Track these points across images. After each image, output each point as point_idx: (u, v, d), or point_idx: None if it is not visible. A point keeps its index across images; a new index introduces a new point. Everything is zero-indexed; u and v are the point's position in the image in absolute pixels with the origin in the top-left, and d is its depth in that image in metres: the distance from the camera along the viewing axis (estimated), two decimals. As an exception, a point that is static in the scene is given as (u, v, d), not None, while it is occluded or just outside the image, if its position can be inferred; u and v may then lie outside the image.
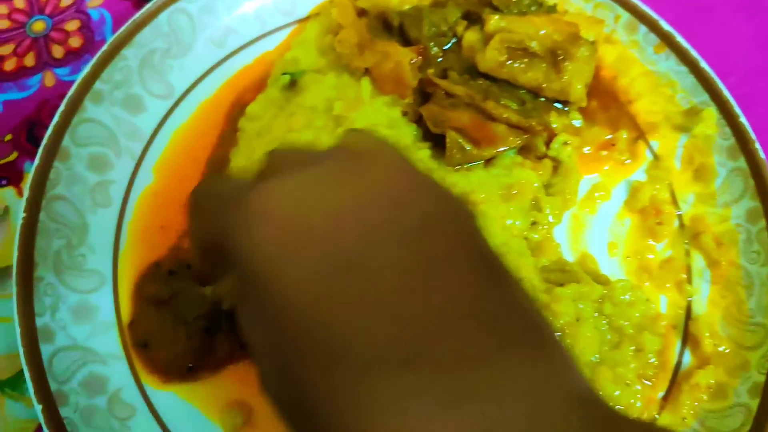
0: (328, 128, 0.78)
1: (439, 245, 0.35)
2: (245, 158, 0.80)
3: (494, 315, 0.33)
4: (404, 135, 0.76)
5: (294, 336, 0.33)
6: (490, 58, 0.77)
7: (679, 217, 0.81)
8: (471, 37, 0.80)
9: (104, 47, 0.78)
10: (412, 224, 0.35)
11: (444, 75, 0.80)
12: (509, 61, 0.77)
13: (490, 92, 0.77)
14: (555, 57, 0.76)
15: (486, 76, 0.79)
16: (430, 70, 0.80)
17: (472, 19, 0.82)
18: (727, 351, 0.73)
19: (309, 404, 0.32)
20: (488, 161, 0.76)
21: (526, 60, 0.78)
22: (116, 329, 0.71)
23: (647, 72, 0.85)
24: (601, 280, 0.74)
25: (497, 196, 0.74)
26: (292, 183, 0.38)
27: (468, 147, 0.74)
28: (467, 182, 0.74)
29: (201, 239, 0.46)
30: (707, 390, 0.71)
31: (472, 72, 0.79)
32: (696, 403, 0.71)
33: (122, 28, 0.79)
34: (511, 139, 0.74)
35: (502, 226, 0.73)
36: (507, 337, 0.32)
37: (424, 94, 0.78)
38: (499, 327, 0.32)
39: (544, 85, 0.77)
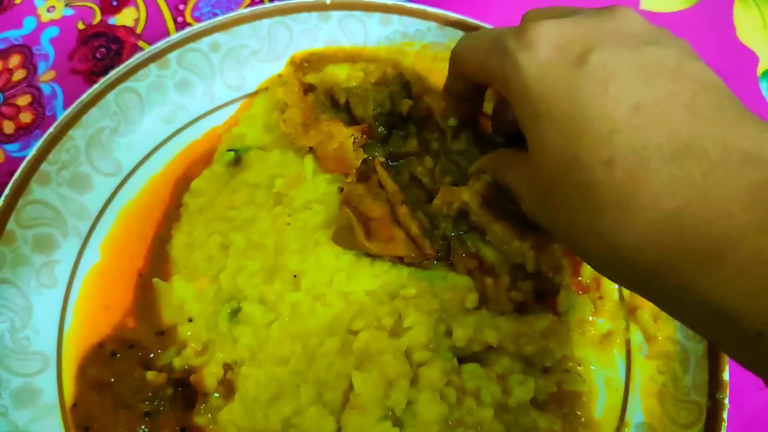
0: (267, 205, 0.81)
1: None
2: (186, 235, 0.82)
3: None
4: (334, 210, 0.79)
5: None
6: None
7: (619, 290, 0.83)
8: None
9: (51, 129, 0.79)
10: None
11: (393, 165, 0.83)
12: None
13: (417, 202, 0.79)
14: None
15: None
16: (380, 158, 0.82)
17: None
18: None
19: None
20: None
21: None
22: (59, 412, 0.73)
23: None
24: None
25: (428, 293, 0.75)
26: (559, 21, 0.54)
27: (358, 233, 0.75)
28: (397, 276, 0.76)
29: (470, 62, 0.66)
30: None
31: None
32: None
33: (69, 109, 0.81)
34: (400, 248, 0.76)
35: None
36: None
37: (365, 175, 0.81)
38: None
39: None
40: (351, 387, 0.69)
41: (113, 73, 0.83)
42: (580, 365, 0.79)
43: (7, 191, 0.76)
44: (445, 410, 0.68)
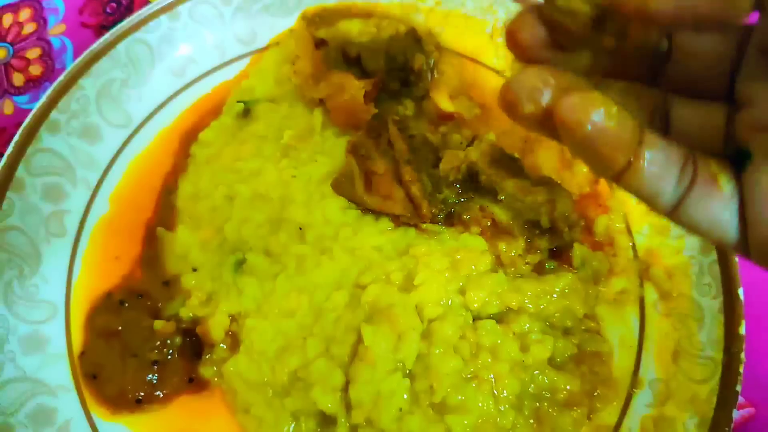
0: (275, 157, 0.81)
1: None
2: (192, 185, 0.82)
3: None
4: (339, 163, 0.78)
5: None
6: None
7: (633, 247, 0.82)
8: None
9: (61, 77, 0.79)
10: None
11: (405, 124, 0.82)
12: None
13: (424, 161, 0.78)
14: None
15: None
16: (394, 116, 0.81)
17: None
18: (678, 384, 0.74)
19: None
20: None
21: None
22: (67, 360, 0.73)
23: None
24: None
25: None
26: None
27: (358, 183, 0.74)
28: (404, 234, 0.75)
29: None
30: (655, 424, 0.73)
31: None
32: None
33: (79, 58, 0.80)
34: (397, 206, 0.75)
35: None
36: None
37: (376, 130, 0.80)
38: None
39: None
40: (359, 340, 0.69)
41: (124, 23, 0.83)
42: (599, 324, 0.77)
43: (16, 137, 0.76)
44: (459, 364, 0.67)
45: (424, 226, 0.76)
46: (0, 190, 0.75)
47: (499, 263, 0.76)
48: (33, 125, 0.77)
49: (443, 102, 0.86)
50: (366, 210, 0.76)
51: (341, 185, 0.76)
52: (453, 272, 0.73)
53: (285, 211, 0.76)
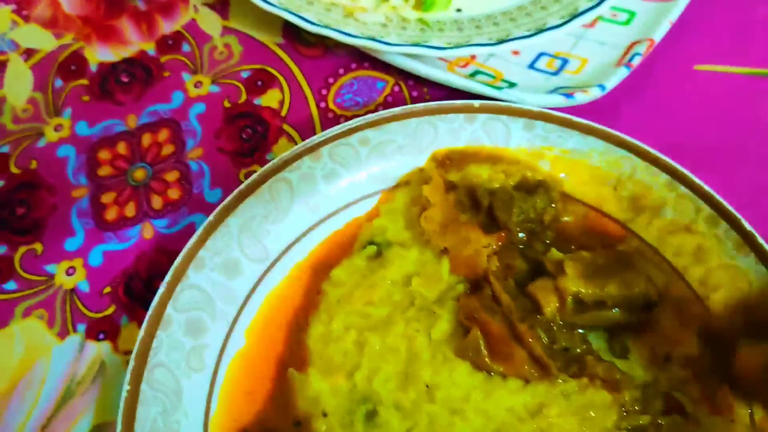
0: (402, 305, 0.84)
1: None
2: (323, 325, 0.85)
3: None
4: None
5: None
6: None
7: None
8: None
9: (210, 217, 0.83)
10: None
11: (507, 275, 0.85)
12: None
13: (536, 319, 0.80)
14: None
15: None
16: (493, 263, 0.84)
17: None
18: None
19: None
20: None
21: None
22: (204, 500, 0.75)
23: (726, 265, 0.89)
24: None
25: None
26: None
27: (483, 352, 0.78)
28: (533, 393, 0.78)
29: None
30: None
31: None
32: None
33: (228, 198, 0.84)
34: (525, 368, 0.77)
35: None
36: None
37: (477, 284, 0.83)
38: None
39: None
40: None
41: (269, 166, 0.86)
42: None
43: (168, 277, 0.80)
44: None
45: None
46: (151, 329, 0.78)
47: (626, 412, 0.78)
48: (183, 265, 0.81)
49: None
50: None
51: (465, 353, 0.79)
52: None
53: (412, 366, 0.80)
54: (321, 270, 0.89)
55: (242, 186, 0.85)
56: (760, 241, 0.86)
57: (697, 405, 0.81)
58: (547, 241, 0.88)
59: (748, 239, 0.87)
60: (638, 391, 0.78)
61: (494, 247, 0.84)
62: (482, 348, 0.78)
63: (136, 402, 0.75)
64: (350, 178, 0.92)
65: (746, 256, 0.87)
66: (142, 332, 0.77)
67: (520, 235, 0.87)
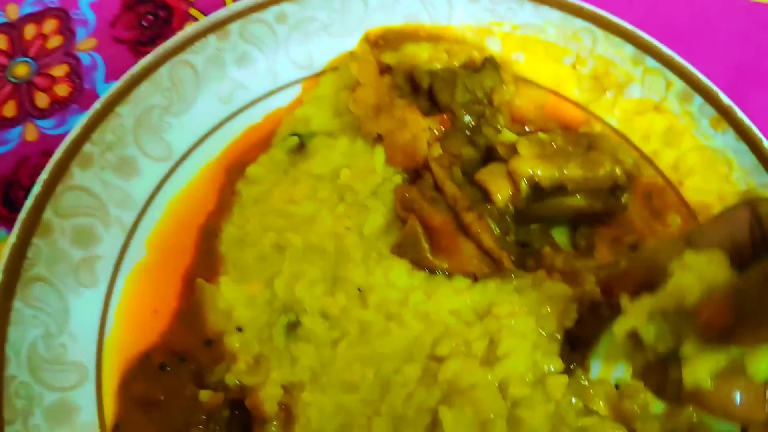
0: (330, 202, 0.72)
1: None
2: (237, 228, 0.74)
3: None
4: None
5: None
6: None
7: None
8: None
9: (96, 104, 0.70)
10: None
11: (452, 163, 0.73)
12: None
13: (485, 209, 0.70)
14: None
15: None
16: (435, 150, 0.73)
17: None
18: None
19: None
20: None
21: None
22: (98, 434, 0.63)
23: (701, 146, 0.78)
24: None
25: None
26: None
27: (424, 247, 0.67)
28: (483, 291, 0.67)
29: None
30: None
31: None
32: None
33: (117, 83, 0.72)
34: (474, 263, 0.67)
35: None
36: None
37: (416, 173, 0.73)
38: None
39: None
40: (434, 424, 0.61)
41: (168, 44, 0.74)
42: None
43: (45, 175, 0.67)
44: None
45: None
46: (25, 235, 0.65)
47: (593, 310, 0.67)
48: (63, 160, 0.68)
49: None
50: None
51: (404, 250, 0.68)
52: (540, 337, 0.65)
53: (341, 268, 0.68)
54: (235, 169, 0.77)
55: (134, 68, 0.72)
56: (740, 115, 0.76)
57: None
58: (499, 127, 0.77)
59: (726, 114, 0.77)
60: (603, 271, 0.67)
61: (436, 132, 0.73)
62: (423, 242, 0.67)
63: (6, 321, 0.63)
64: (268, 62, 0.79)
65: (724, 133, 0.77)
66: (12, 238, 0.65)
67: (467, 118, 0.75)
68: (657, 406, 0.67)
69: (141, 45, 0.84)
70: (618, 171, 0.70)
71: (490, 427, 0.60)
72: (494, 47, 0.83)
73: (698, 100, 0.78)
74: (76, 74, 0.82)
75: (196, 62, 0.76)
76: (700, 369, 0.42)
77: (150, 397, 0.65)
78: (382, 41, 0.82)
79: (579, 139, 0.74)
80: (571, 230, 0.76)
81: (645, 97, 0.80)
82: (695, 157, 0.79)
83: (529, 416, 0.61)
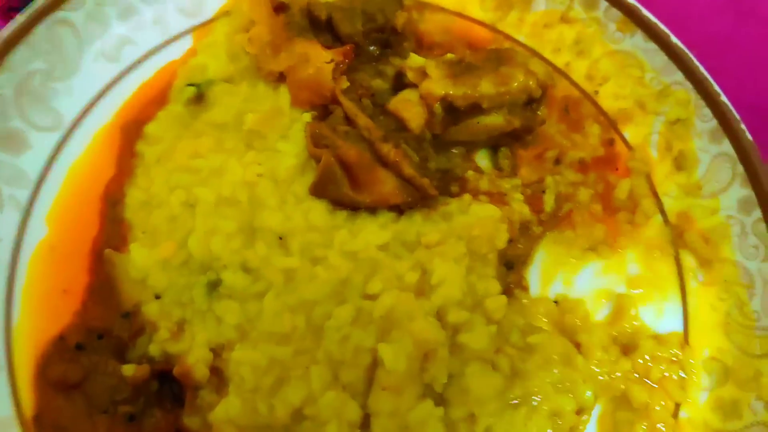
0: (238, 150, 0.69)
1: None
2: (142, 191, 0.69)
3: None
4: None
5: None
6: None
7: (662, 212, 0.73)
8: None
9: (-34, 76, 0.64)
10: None
11: (362, 96, 0.71)
12: None
13: (402, 137, 0.67)
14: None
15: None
16: (341, 83, 0.70)
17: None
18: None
19: None
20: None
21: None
22: (17, 428, 0.59)
23: (611, 52, 0.77)
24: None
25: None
26: None
27: (343, 183, 0.65)
28: (409, 222, 0.66)
29: None
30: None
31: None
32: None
33: (-13, 50, 0.65)
34: (397, 193, 0.65)
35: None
36: None
37: (326, 108, 0.70)
38: None
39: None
40: (375, 363, 0.59)
41: (41, 2, 0.67)
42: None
43: None
44: (500, 383, 0.59)
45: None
46: None
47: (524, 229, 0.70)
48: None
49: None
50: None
51: (323, 189, 0.65)
52: (473, 261, 0.65)
53: (257, 218, 0.65)
54: (133, 129, 0.72)
55: (5, 31, 0.66)
56: (645, 13, 0.75)
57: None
58: (405, 54, 0.74)
59: (631, 14, 0.75)
60: (529, 189, 0.66)
61: (341, 64, 0.69)
62: (341, 178, 0.64)
63: None
64: (154, 13, 0.74)
65: (633, 35, 0.76)
66: None
67: (371, 48, 0.72)
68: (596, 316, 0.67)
69: (13, 11, 0.78)
70: (531, 83, 0.68)
71: (432, 357, 0.58)
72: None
73: (603, 4, 0.76)
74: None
75: (75, 19, 0.70)
76: None
77: (69, 380, 0.61)
78: (274, -21, 0.77)
79: (488, 55, 0.71)
80: (493, 152, 0.75)
81: (549, 9, 0.78)
82: (607, 63, 0.78)
83: (471, 340, 0.60)
